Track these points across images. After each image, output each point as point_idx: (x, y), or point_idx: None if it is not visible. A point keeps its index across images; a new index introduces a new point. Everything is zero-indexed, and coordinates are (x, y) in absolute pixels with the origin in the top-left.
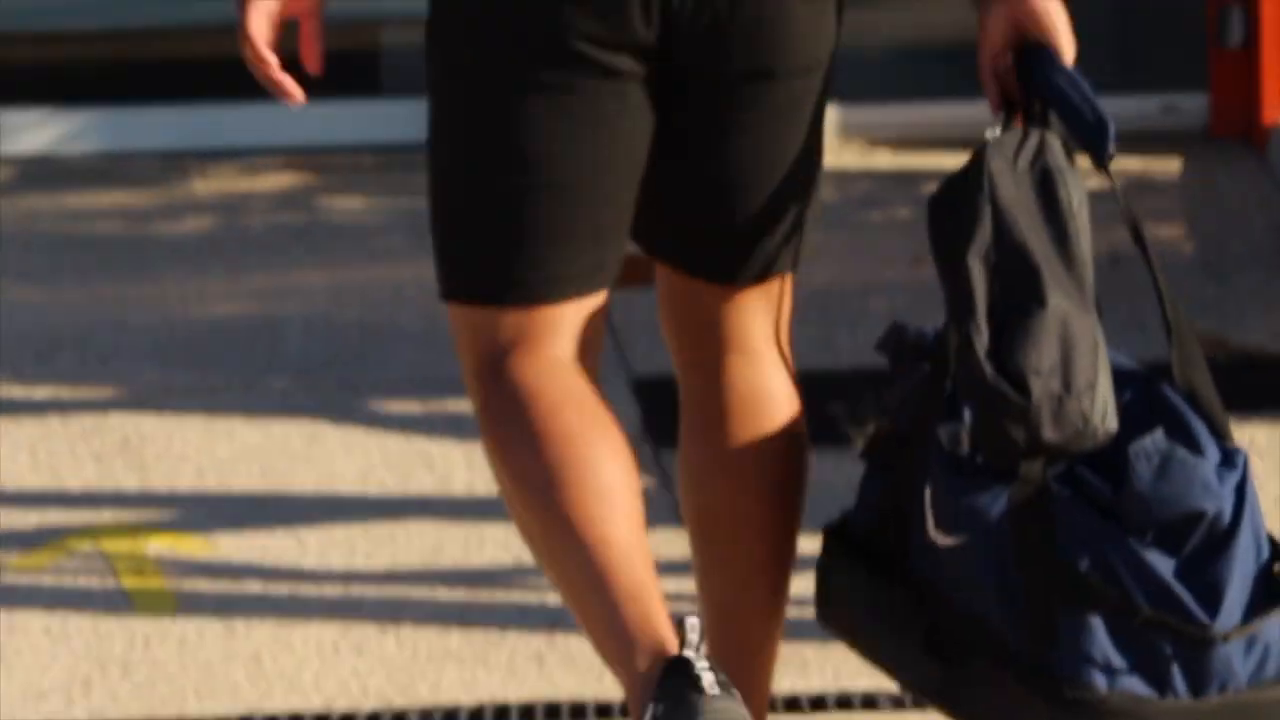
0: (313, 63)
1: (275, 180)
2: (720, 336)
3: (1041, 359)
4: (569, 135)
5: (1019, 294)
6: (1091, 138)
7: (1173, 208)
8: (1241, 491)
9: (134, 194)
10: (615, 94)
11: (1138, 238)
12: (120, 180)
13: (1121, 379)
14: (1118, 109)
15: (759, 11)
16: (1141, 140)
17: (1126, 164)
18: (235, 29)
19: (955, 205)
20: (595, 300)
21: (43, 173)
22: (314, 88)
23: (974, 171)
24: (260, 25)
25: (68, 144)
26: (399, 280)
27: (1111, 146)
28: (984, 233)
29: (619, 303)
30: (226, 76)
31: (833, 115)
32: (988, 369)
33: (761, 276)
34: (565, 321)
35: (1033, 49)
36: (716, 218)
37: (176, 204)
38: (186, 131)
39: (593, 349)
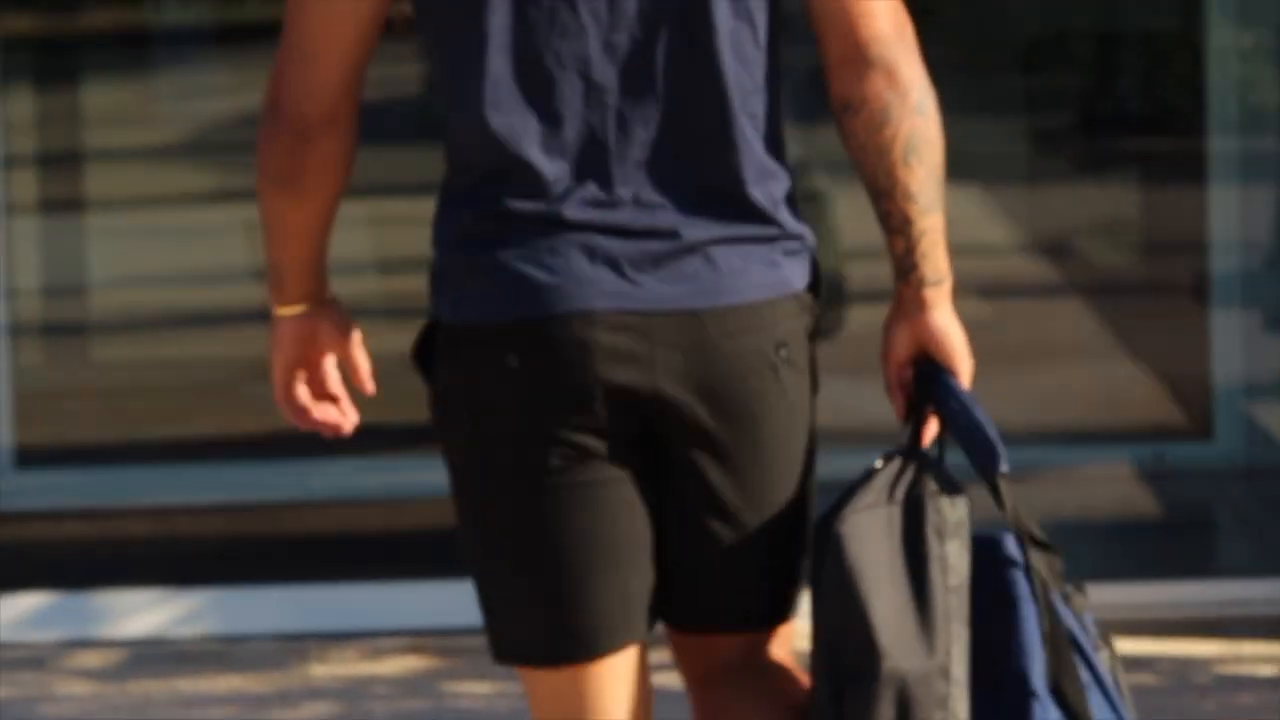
0: (366, 387)
1: (399, 664)
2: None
3: None
4: (566, 518)
5: (855, 664)
6: (982, 460)
7: None
8: None
9: (249, 678)
10: (603, 473)
11: (1029, 541)
12: (235, 664)
13: (1002, 686)
14: (1265, 593)
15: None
16: None
17: (1276, 649)
18: (353, 505)
19: (815, 565)
20: (632, 657)
21: (154, 656)
22: (437, 567)
23: (828, 535)
24: (283, 377)
25: (180, 626)
26: None
27: (1002, 466)
28: (827, 599)
29: None
30: (345, 554)
31: None
32: None
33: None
34: (606, 685)
35: (932, 368)
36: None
37: (294, 689)
38: (304, 612)
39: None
